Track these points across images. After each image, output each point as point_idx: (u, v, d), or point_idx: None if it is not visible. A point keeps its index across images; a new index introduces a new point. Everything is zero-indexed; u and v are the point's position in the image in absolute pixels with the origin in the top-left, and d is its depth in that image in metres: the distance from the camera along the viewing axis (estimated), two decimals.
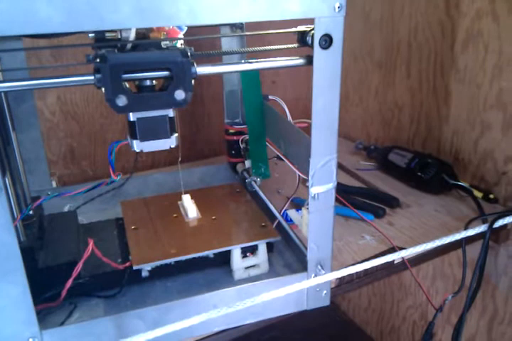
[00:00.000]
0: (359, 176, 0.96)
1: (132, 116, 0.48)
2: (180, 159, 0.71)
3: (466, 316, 0.76)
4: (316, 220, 0.57)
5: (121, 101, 0.45)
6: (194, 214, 0.71)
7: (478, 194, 0.84)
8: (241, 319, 0.59)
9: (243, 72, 0.74)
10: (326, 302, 0.63)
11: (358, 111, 1.13)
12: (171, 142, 0.50)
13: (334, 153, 0.55)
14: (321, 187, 0.56)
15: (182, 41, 0.57)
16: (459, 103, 0.89)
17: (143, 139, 0.49)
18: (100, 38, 0.57)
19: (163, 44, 0.54)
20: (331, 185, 0.56)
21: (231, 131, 0.85)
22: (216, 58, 0.82)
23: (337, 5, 0.48)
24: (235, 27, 0.79)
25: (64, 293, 0.53)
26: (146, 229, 0.69)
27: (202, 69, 0.48)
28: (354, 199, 0.84)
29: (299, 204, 0.82)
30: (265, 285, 0.59)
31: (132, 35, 0.54)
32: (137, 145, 0.49)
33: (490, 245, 0.79)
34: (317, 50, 0.49)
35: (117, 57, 0.44)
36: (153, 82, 0.48)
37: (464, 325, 0.77)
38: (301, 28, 0.52)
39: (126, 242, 0.66)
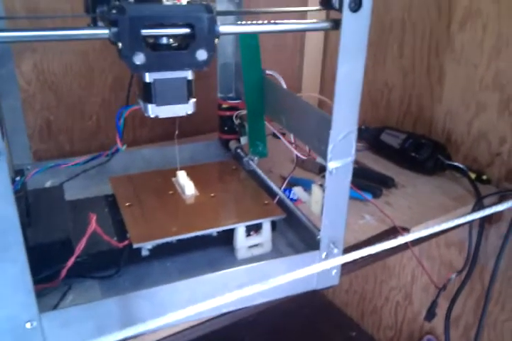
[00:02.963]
0: None
1: (149, 77, 0.44)
2: (177, 132, 0.67)
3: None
4: (331, 196, 0.55)
5: (139, 58, 0.41)
6: (192, 191, 0.67)
7: (472, 175, 0.84)
8: (250, 300, 0.56)
9: (243, 44, 0.70)
10: (335, 282, 0.61)
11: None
12: (188, 108, 0.46)
13: (355, 124, 0.52)
14: (340, 161, 0.53)
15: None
16: (453, 83, 0.88)
17: (159, 103, 0.44)
18: None
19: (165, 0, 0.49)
20: (350, 159, 0.54)
21: (224, 106, 0.81)
22: None
23: None
24: None
25: (64, 273, 0.48)
26: (141, 206, 0.64)
27: (225, 29, 0.44)
28: None
29: (294, 183, 0.79)
30: (277, 264, 0.56)
31: None
32: (152, 110, 0.45)
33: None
34: (346, 13, 0.46)
35: (137, 9, 0.40)
36: (171, 40, 0.44)
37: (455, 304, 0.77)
38: None
39: (121, 220, 0.61)
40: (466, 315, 0.94)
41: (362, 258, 0.68)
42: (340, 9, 0.46)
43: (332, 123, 0.51)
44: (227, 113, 0.80)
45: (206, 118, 0.85)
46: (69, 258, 0.52)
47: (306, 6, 1.05)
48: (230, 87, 0.81)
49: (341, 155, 0.53)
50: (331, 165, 0.53)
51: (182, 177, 0.69)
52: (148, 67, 0.42)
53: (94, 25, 0.53)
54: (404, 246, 0.72)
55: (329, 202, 0.55)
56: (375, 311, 1.18)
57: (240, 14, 0.47)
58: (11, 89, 0.68)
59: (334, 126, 0.51)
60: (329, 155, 0.52)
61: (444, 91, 0.90)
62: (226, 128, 0.82)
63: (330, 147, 0.52)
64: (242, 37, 0.67)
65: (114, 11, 0.39)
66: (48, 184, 0.71)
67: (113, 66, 0.90)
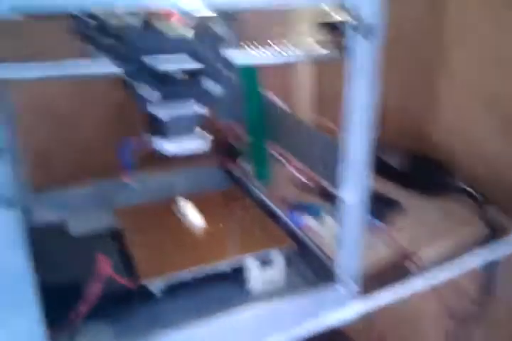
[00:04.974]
0: None
1: (161, 113, 0.42)
2: (181, 162, 0.65)
3: None
4: (347, 228, 0.54)
5: (152, 94, 0.39)
6: (199, 223, 0.66)
7: (475, 195, 0.83)
8: None
9: (242, 69, 0.69)
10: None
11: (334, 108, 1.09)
12: (201, 143, 0.45)
13: (369, 152, 0.51)
14: (355, 191, 0.52)
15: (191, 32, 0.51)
16: (450, 101, 0.88)
17: (172, 139, 0.43)
18: (101, 25, 0.50)
19: (170, 33, 0.48)
20: (365, 188, 0.53)
21: (223, 129, 0.79)
22: None
23: None
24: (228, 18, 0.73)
25: (77, 320, 0.46)
26: (149, 240, 0.62)
27: (238, 60, 0.43)
28: None
29: (299, 208, 0.78)
30: (294, 301, 0.55)
31: (138, 22, 0.48)
32: (164, 147, 0.43)
33: None
34: (357, 40, 0.45)
35: (150, 45, 0.38)
36: (183, 74, 0.43)
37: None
38: (336, 17, 0.48)
39: (129, 256, 0.59)
40: None
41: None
42: (350, 36, 0.45)
43: (346, 154, 0.50)
44: (227, 137, 0.79)
45: None
46: (78, 302, 0.50)
47: (291, 28, 1.03)
48: (228, 110, 0.80)
49: (356, 184, 0.52)
50: (346, 195, 0.52)
51: (188, 208, 0.68)
52: (161, 102, 0.40)
53: (95, 53, 0.51)
54: (414, 273, 0.71)
55: (345, 233, 0.54)
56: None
57: (248, 45, 0.46)
58: (7, 121, 0.65)
59: (349, 156, 0.50)
60: (344, 186, 0.51)
61: (442, 109, 0.90)
62: (226, 153, 0.80)
63: (344, 177, 0.51)
64: None
65: (124, 47, 0.38)
66: (50, 218, 0.69)
67: (106, 90, 0.88)
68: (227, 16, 0.72)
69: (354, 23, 0.44)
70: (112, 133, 0.91)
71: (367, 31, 0.45)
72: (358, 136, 0.50)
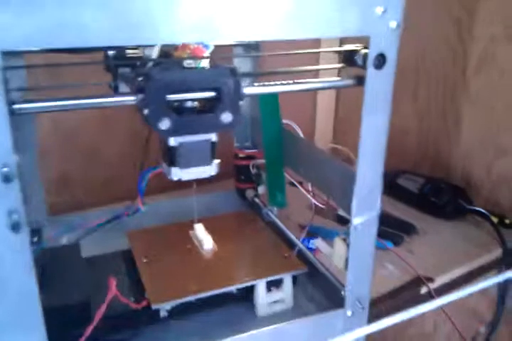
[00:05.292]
0: None
1: (174, 141, 0.43)
2: (195, 186, 0.66)
3: None
4: (356, 252, 0.53)
5: (165, 124, 0.40)
6: (210, 246, 0.66)
7: (494, 219, 0.82)
8: None
9: (262, 96, 0.70)
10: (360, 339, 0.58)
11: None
12: (211, 169, 0.46)
13: (380, 178, 0.51)
14: (364, 216, 0.52)
15: (207, 61, 0.52)
16: (470, 126, 0.88)
17: (183, 166, 0.44)
18: (120, 55, 0.52)
19: (186, 63, 0.50)
20: (375, 213, 0.52)
21: (241, 155, 0.80)
22: None
23: (394, 23, 0.45)
24: (249, 47, 0.74)
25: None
26: (159, 262, 0.62)
27: (250, 90, 0.44)
28: None
29: (313, 232, 0.77)
30: (301, 324, 0.54)
31: (155, 53, 0.49)
32: (175, 174, 0.44)
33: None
34: (370, 70, 0.46)
35: (165, 76, 0.39)
36: (195, 103, 0.44)
37: None
38: (350, 46, 0.49)
39: (138, 278, 0.60)
40: None
41: (386, 311, 0.67)
42: (364, 66, 0.46)
43: (357, 178, 0.50)
44: (244, 162, 0.80)
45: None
46: (85, 322, 0.50)
47: (317, 64, 1.05)
48: (246, 136, 0.81)
49: (366, 209, 0.52)
50: (356, 220, 0.52)
51: (200, 231, 0.68)
52: (174, 131, 0.41)
53: (115, 83, 0.53)
54: (430, 298, 0.70)
55: (354, 257, 0.53)
56: None
57: (263, 75, 0.47)
58: (29, 146, 0.67)
59: (359, 181, 0.50)
60: (353, 211, 0.51)
61: (462, 134, 0.89)
62: (243, 177, 0.81)
63: (354, 202, 0.51)
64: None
65: (141, 79, 0.39)
66: (63, 240, 0.70)
67: (128, 117, 0.90)
68: (246, 45, 0.75)
69: (368, 52, 0.45)
70: (130, 159, 0.94)
71: (379, 62, 0.46)
72: (370, 161, 0.50)
